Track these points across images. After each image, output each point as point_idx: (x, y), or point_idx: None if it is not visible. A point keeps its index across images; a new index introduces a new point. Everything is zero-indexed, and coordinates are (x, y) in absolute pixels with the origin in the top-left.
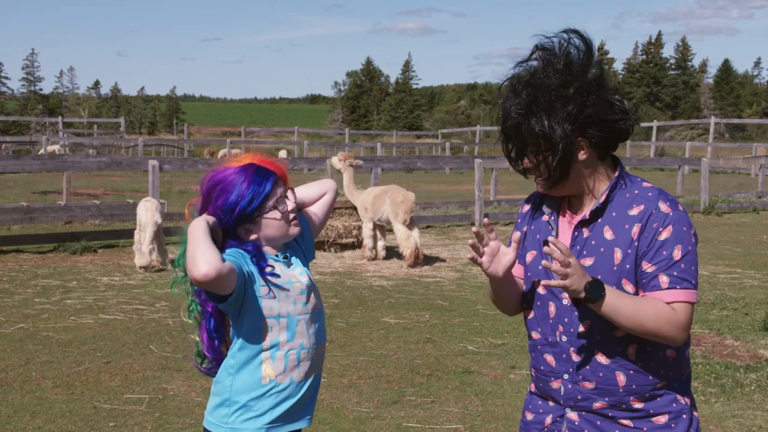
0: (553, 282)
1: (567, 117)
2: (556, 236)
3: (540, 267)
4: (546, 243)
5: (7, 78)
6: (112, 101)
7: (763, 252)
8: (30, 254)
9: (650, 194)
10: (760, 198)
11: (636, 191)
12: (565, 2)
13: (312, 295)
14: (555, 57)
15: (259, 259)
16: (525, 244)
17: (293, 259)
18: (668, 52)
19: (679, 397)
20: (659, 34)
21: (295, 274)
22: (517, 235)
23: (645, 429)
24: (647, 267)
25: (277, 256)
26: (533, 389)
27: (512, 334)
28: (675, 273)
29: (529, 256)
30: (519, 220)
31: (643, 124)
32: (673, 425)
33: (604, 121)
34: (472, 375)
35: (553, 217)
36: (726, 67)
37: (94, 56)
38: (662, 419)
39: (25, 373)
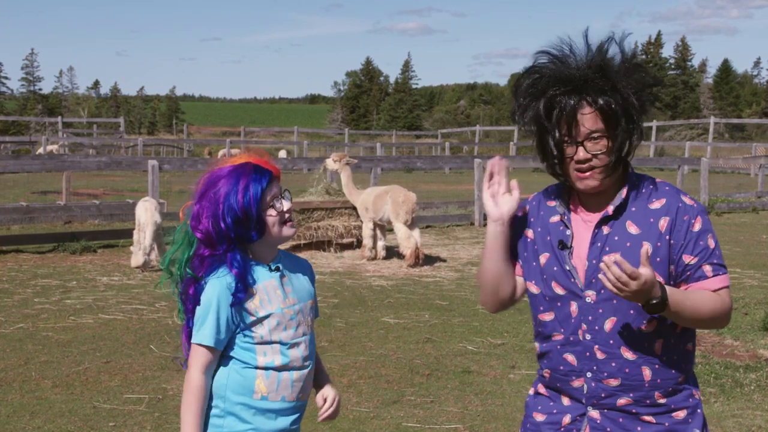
0: (608, 284)
1: (637, 98)
2: (572, 235)
3: (555, 268)
4: (561, 243)
5: (6, 78)
6: (112, 101)
7: (762, 252)
8: (30, 254)
9: (667, 188)
10: (760, 198)
11: (651, 186)
12: (565, 2)
13: (304, 317)
14: (611, 44)
15: (240, 295)
16: (535, 248)
17: (287, 273)
18: (668, 52)
19: (694, 391)
20: (659, 34)
21: (287, 294)
22: (514, 182)
23: (666, 424)
24: (690, 259)
25: (269, 266)
26: (541, 390)
27: (512, 334)
28: (715, 261)
29: (543, 259)
30: (516, 224)
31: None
32: (690, 420)
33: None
34: (471, 375)
35: (566, 216)
36: (725, 67)
37: (93, 56)
38: (681, 414)
39: (25, 373)
